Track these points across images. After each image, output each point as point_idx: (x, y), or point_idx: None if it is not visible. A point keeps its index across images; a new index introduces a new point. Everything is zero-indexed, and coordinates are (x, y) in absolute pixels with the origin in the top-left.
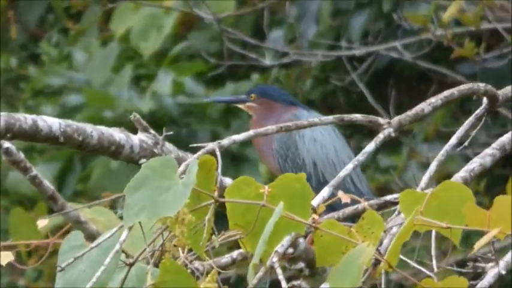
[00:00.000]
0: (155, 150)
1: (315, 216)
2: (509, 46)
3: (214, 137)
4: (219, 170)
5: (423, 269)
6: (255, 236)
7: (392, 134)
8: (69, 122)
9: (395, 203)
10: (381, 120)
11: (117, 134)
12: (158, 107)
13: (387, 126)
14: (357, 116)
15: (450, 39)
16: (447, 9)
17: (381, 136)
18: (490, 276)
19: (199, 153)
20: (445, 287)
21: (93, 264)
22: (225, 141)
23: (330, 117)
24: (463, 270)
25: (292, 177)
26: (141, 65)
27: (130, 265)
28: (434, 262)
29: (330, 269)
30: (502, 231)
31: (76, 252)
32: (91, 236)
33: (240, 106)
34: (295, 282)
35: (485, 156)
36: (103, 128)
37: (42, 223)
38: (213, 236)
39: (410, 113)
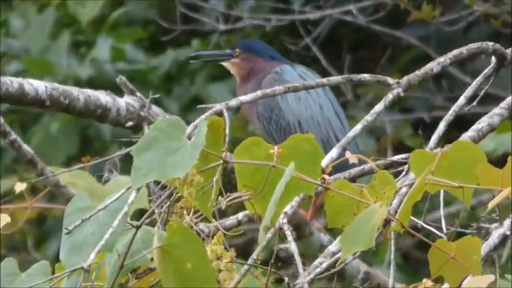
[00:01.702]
0: (142, 113)
1: (326, 177)
2: (464, 9)
3: (156, 104)
4: (227, 131)
5: (434, 230)
6: (264, 197)
7: (401, 94)
8: (55, 85)
9: (402, 163)
10: (390, 80)
11: (104, 97)
12: (98, 73)
13: (396, 86)
14: (366, 76)
15: (407, 2)
16: None
17: (390, 96)
18: (494, 237)
19: (206, 114)
20: (459, 247)
21: (100, 226)
22: (233, 102)
23: (339, 77)
24: (467, 231)
25: (301, 138)
26: (79, 31)
27: (137, 227)
28: (443, 223)
29: (316, 233)
30: None
31: (82, 215)
32: (69, 200)
33: (224, 64)
34: (282, 246)
35: (493, 116)
36: (89, 91)
37: (20, 187)
38: (220, 198)
39: (419, 72)
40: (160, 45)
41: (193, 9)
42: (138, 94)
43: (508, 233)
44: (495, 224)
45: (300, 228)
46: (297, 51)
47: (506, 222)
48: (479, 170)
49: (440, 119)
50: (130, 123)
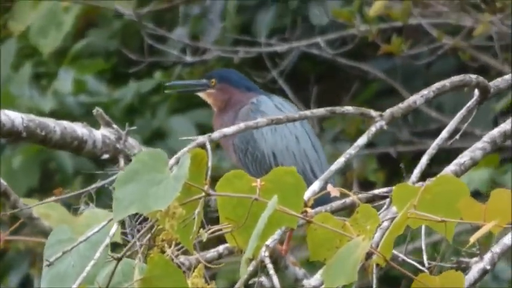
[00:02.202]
0: (118, 146)
1: (309, 210)
2: (433, 43)
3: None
4: (210, 164)
5: (416, 264)
6: (247, 229)
7: (385, 127)
8: (32, 116)
9: (383, 197)
10: (373, 112)
11: (80, 129)
12: (60, 106)
13: (379, 119)
14: (349, 109)
15: (375, 34)
16: (372, 5)
17: (373, 129)
18: (474, 272)
19: (189, 146)
20: (442, 282)
21: (81, 258)
22: (216, 135)
23: (322, 110)
24: (447, 265)
25: (284, 171)
26: (40, 62)
27: (119, 259)
28: (425, 257)
29: (291, 266)
30: (499, 225)
31: (64, 246)
32: (43, 232)
33: (200, 94)
34: (259, 279)
35: (476, 150)
36: (65, 123)
37: None
38: (201, 230)
39: (403, 105)
40: (123, 77)
41: (158, 40)
42: (115, 126)
43: (488, 267)
44: (475, 259)
45: (275, 261)
46: (264, 83)
47: (487, 257)
48: (462, 204)
49: (405, 153)
50: (106, 156)
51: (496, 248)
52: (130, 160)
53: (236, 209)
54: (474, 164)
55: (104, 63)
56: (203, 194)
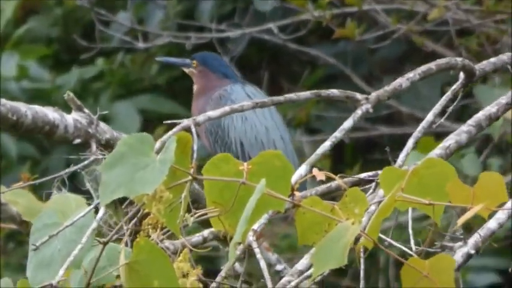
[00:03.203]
0: (90, 130)
1: (297, 194)
2: (385, 28)
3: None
4: (195, 147)
5: (404, 248)
6: (234, 214)
7: (370, 110)
8: (3, 100)
9: (369, 181)
10: (359, 95)
11: (51, 114)
12: (2, 91)
13: (365, 102)
14: (334, 92)
15: (329, 19)
16: None
17: (358, 112)
18: (458, 256)
19: (174, 129)
20: (432, 266)
21: (67, 243)
22: (200, 118)
23: (307, 93)
24: (431, 250)
25: (271, 154)
26: None
27: (105, 244)
28: (412, 241)
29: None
30: (487, 208)
31: (50, 231)
32: (11, 218)
33: (185, 70)
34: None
35: (461, 133)
36: (37, 107)
37: None
38: (187, 214)
39: (388, 88)
40: (65, 64)
41: (104, 26)
42: (86, 111)
43: (472, 252)
44: (459, 243)
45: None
46: None
47: (471, 241)
48: (450, 187)
49: (358, 139)
50: (78, 140)
51: (480, 233)
52: (102, 145)
53: (223, 193)
54: (459, 147)
55: (46, 49)
56: (189, 177)
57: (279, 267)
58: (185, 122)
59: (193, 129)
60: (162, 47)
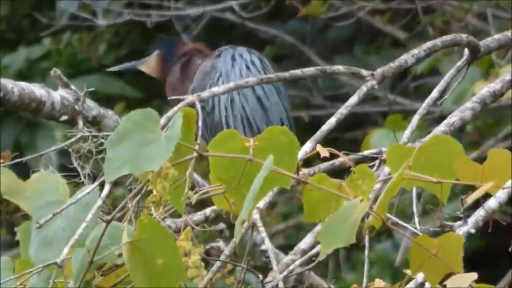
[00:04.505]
0: (76, 107)
1: (304, 170)
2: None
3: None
4: (200, 123)
5: (409, 226)
6: (239, 191)
7: (376, 87)
8: None
9: (373, 158)
10: (364, 72)
11: (38, 90)
12: None
13: (370, 78)
14: (339, 68)
15: None
16: None
17: (364, 88)
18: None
19: (179, 105)
20: (441, 244)
21: (71, 221)
22: (205, 94)
23: (312, 69)
24: (431, 229)
25: (278, 130)
26: None
27: (108, 222)
28: (416, 220)
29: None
30: (496, 185)
31: (52, 209)
32: None
33: (142, 68)
34: (214, 244)
35: (465, 110)
36: (23, 84)
37: None
38: (190, 192)
39: (393, 64)
40: (12, 44)
41: (50, 5)
42: (73, 87)
43: (473, 231)
44: (459, 222)
45: (233, 226)
46: None
47: (471, 220)
48: (458, 164)
49: (319, 118)
50: (64, 117)
51: (480, 212)
52: (89, 121)
53: (229, 170)
54: (464, 124)
55: None
56: (194, 154)
57: (263, 247)
58: (189, 98)
59: (197, 105)
60: (109, 27)
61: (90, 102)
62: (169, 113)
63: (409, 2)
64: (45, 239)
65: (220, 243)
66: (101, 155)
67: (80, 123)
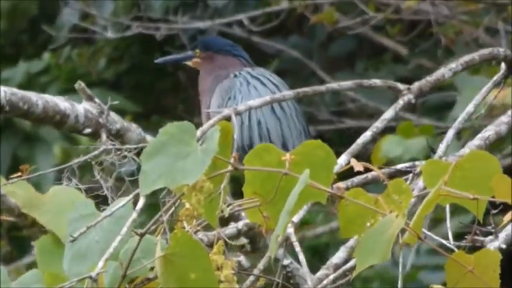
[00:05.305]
0: (100, 120)
1: (340, 185)
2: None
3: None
4: (235, 136)
5: (444, 242)
6: (274, 205)
7: (413, 101)
8: (15, 90)
9: (406, 172)
10: (400, 86)
11: (62, 103)
12: None
13: (407, 92)
14: (376, 81)
15: (304, 7)
16: None
17: (400, 102)
18: None
19: (215, 118)
20: (478, 260)
21: (105, 234)
22: (241, 107)
23: (349, 83)
24: (461, 244)
25: (314, 144)
26: None
27: (142, 235)
28: (450, 235)
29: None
30: None
31: (86, 222)
32: (10, 210)
33: (188, 63)
34: (236, 258)
35: (501, 124)
36: (48, 97)
37: None
38: (223, 205)
39: (431, 78)
40: (11, 59)
41: (48, 20)
42: (97, 100)
43: (504, 246)
44: (490, 237)
45: (254, 241)
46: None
47: (501, 236)
48: (495, 181)
49: (325, 132)
50: (88, 130)
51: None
52: (113, 135)
53: (264, 184)
54: (499, 138)
55: None
56: (229, 167)
57: (285, 261)
58: (226, 111)
59: (233, 118)
60: (110, 41)
61: (114, 116)
62: (204, 126)
63: (417, 15)
64: (78, 252)
65: (241, 258)
66: (123, 168)
67: (103, 136)
